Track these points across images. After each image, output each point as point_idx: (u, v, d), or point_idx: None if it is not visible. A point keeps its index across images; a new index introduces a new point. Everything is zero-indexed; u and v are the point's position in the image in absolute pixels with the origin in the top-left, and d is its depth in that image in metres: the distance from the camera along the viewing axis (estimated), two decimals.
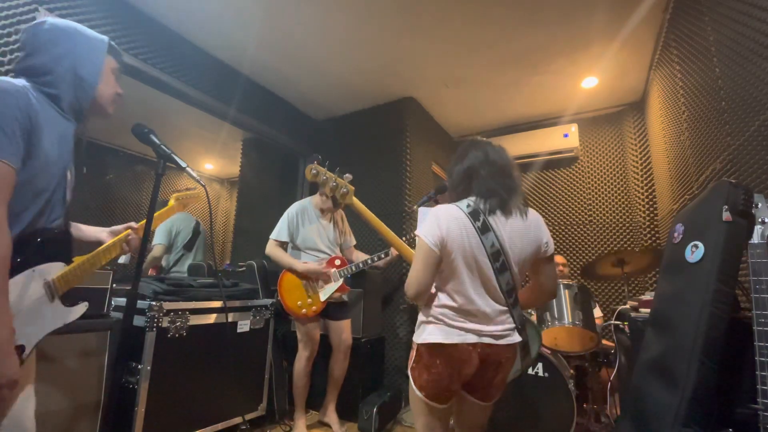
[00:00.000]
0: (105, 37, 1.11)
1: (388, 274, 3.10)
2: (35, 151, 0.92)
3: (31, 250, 0.98)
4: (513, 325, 1.25)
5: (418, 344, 1.25)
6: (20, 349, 0.95)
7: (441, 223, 1.20)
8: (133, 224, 1.28)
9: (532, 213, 1.29)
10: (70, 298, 1.08)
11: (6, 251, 0.86)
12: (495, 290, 1.21)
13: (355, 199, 1.60)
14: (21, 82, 0.95)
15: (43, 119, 0.94)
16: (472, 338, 1.18)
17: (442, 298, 1.24)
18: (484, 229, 1.20)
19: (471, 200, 1.26)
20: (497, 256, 1.20)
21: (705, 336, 1.03)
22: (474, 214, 1.21)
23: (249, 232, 4.04)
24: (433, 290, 1.28)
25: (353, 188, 1.62)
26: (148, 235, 1.17)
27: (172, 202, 1.51)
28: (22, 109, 0.89)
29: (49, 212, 1.01)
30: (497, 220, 1.22)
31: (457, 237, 1.19)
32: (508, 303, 1.23)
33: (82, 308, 1.11)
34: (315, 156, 1.82)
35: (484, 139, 1.44)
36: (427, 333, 1.22)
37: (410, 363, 1.27)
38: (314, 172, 1.61)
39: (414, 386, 1.23)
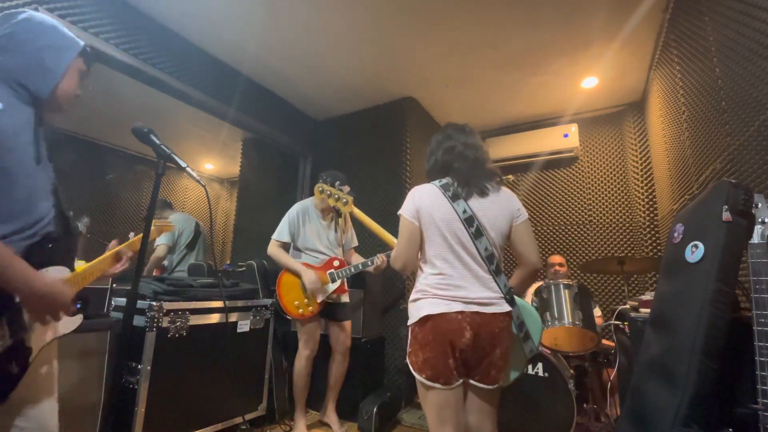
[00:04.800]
0: (82, 41, 1.10)
1: (389, 275, 3.10)
2: None
3: (44, 250, 0.98)
4: (499, 294, 1.28)
5: (411, 326, 1.30)
6: (28, 351, 0.94)
7: (414, 196, 1.36)
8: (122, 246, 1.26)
9: (504, 188, 1.40)
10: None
11: None
12: (474, 255, 1.28)
13: (355, 208, 1.85)
14: None
15: None
16: (458, 306, 1.22)
17: (426, 269, 1.32)
18: (455, 197, 1.31)
19: (445, 179, 1.38)
20: (471, 221, 1.29)
21: (705, 336, 1.03)
22: (445, 187, 1.34)
23: (249, 232, 4.04)
24: (419, 266, 1.36)
25: (352, 198, 1.92)
26: (147, 236, 1.17)
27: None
28: None
29: (41, 202, 0.99)
30: (469, 194, 1.33)
31: (429, 205, 1.31)
32: (490, 270, 1.29)
33: (77, 320, 1.09)
34: (320, 176, 2.18)
35: (455, 124, 1.49)
36: (416, 310, 1.28)
37: (407, 350, 1.30)
38: (321, 189, 2.01)
39: (414, 372, 1.25)
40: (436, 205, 1.31)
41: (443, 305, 1.23)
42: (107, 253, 1.21)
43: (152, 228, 1.50)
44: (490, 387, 1.27)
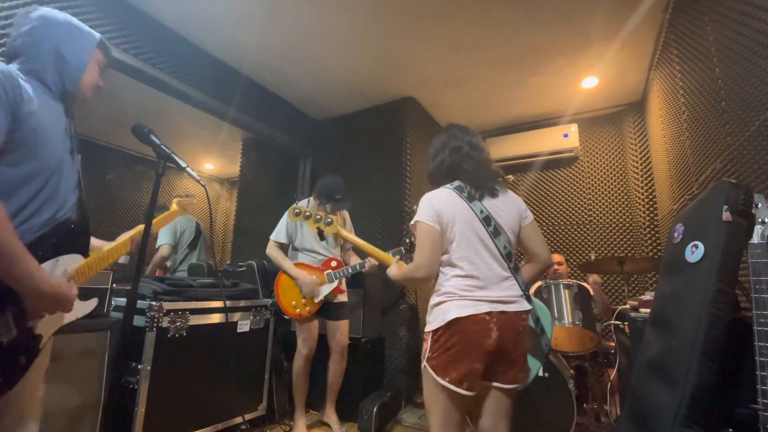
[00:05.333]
0: (98, 34, 1.15)
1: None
2: (27, 123, 0.93)
3: (61, 237, 1.00)
4: (520, 292, 1.29)
5: (433, 331, 1.25)
6: (38, 338, 0.97)
7: (432, 200, 1.33)
8: (141, 227, 1.31)
9: (509, 190, 1.43)
10: (83, 293, 1.10)
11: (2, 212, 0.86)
12: (495, 254, 1.29)
13: (341, 229, 1.68)
14: (8, 66, 0.97)
15: (30, 97, 0.96)
16: (485, 307, 1.21)
17: (450, 272, 1.29)
18: (471, 198, 1.32)
19: (456, 182, 1.38)
20: (488, 220, 1.30)
21: (705, 336, 1.02)
22: (459, 189, 1.35)
23: (249, 232, 4.03)
24: (440, 269, 1.33)
25: (337, 217, 1.72)
26: (148, 235, 1.17)
27: (174, 206, 1.54)
28: (6, 85, 0.90)
29: (60, 197, 1.02)
30: (483, 196, 1.34)
31: (449, 207, 1.31)
32: (510, 268, 1.30)
33: (93, 303, 1.14)
34: (295, 196, 1.85)
35: (458, 125, 1.50)
36: (441, 314, 1.24)
37: (425, 355, 1.25)
38: (297, 212, 1.72)
39: (436, 376, 1.20)
40: (455, 206, 1.31)
41: (471, 307, 1.21)
42: (126, 236, 1.27)
43: (176, 206, 1.52)
44: (511, 387, 1.26)
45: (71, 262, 1.05)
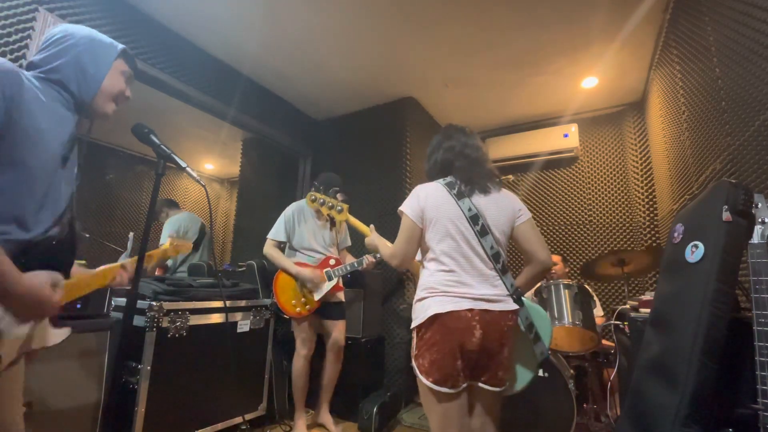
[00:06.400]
0: (120, 44, 1.16)
1: (388, 275, 3.10)
2: (19, 127, 0.89)
3: (38, 254, 0.94)
4: (506, 292, 1.28)
5: (416, 327, 1.26)
6: None
7: (419, 195, 1.35)
8: (126, 263, 1.23)
9: (504, 189, 1.42)
10: (55, 318, 1.03)
11: None
12: (479, 254, 1.28)
13: (350, 216, 1.78)
14: (13, 65, 0.93)
15: (33, 98, 0.93)
16: (467, 304, 1.21)
17: (431, 267, 1.30)
18: (460, 195, 1.32)
19: (449, 177, 1.39)
20: (476, 219, 1.29)
21: (705, 336, 1.02)
22: (450, 185, 1.35)
23: (249, 232, 4.03)
24: (423, 264, 1.34)
25: (347, 206, 1.82)
26: (147, 235, 1.17)
27: (167, 245, 1.51)
28: (4, 82, 0.87)
29: (45, 209, 0.97)
30: (472, 192, 1.34)
31: (435, 204, 1.31)
32: (496, 268, 1.29)
33: (65, 332, 1.05)
34: (313, 183, 2.05)
35: (456, 126, 1.51)
36: (422, 310, 1.25)
37: (413, 352, 1.26)
38: (313, 198, 1.90)
39: (421, 375, 1.21)
40: (442, 203, 1.31)
41: (452, 303, 1.20)
42: (111, 265, 1.17)
43: (169, 246, 1.49)
44: (498, 389, 1.25)
45: (47, 279, 0.96)
